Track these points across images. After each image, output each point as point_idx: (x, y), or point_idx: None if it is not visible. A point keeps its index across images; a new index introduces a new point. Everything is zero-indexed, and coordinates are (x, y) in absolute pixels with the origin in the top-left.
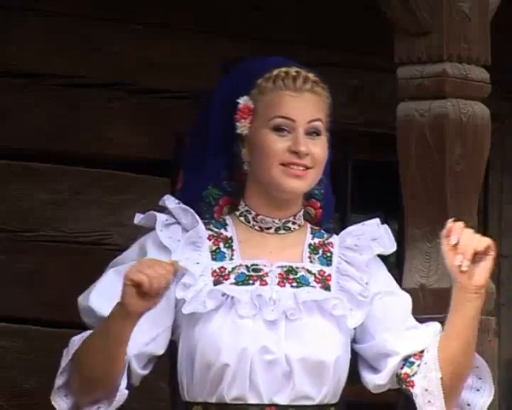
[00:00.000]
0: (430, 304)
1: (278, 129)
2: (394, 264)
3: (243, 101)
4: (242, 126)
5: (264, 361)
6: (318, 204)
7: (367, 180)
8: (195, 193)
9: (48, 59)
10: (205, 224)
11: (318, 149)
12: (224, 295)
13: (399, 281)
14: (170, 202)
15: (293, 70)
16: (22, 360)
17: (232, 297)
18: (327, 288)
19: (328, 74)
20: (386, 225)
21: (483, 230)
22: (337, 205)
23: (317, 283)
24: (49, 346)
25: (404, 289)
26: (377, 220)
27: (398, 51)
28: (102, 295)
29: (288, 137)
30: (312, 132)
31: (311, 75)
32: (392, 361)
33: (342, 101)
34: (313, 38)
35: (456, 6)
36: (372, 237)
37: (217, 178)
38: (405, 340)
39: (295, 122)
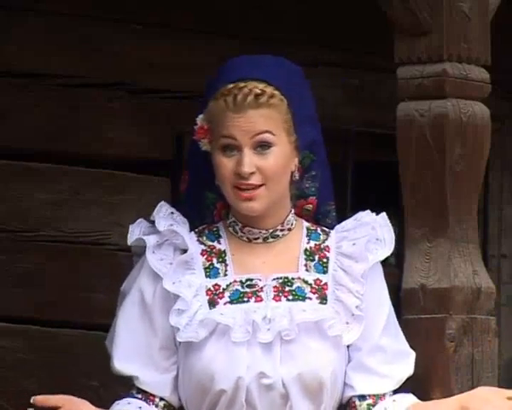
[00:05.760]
0: (430, 304)
1: (226, 149)
2: (394, 264)
3: (199, 120)
4: (204, 145)
5: (261, 386)
6: (314, 198)
7: (367, 180)
8: (197, 196)
9: (48, 59)
10: (198, 236)
11: (269, 162)
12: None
13: (399, 281)
14: (160, 225)
15: (236, 86)
16: (22, 360)
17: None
18: (323, 298)
19: (328, 74)
20: (383, 216)
21: (483, 230)
22: (337, 205)
23: (314, 293)
24: (49, 346)
25: (404, 289)
26: (373, 218)
27: (398, 51)
28: (127, 355)
29: (236, 156)
30: (262, 146)
31: (257, 88)
32: (347, 390)
33: (342, 101)
34: (313, 38)
35: (456, 6)
36: (369, 240)
37: (210, 182)
38: (366, 375)
39: (238, 141)
